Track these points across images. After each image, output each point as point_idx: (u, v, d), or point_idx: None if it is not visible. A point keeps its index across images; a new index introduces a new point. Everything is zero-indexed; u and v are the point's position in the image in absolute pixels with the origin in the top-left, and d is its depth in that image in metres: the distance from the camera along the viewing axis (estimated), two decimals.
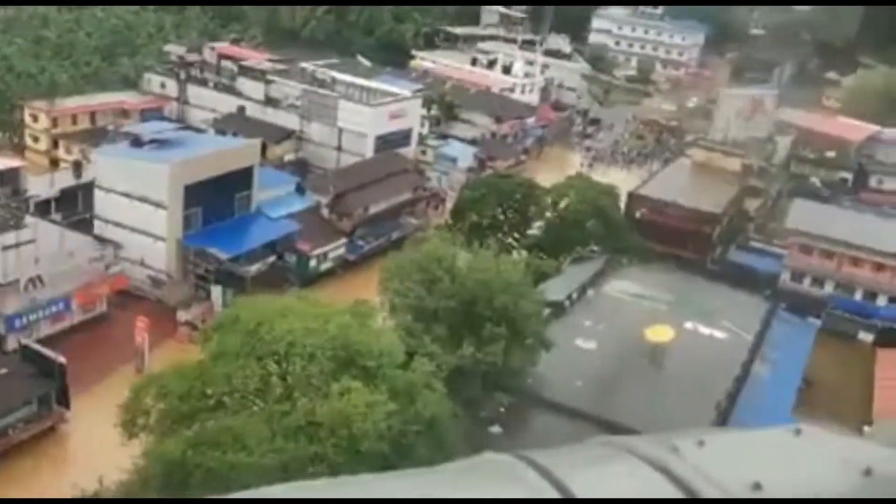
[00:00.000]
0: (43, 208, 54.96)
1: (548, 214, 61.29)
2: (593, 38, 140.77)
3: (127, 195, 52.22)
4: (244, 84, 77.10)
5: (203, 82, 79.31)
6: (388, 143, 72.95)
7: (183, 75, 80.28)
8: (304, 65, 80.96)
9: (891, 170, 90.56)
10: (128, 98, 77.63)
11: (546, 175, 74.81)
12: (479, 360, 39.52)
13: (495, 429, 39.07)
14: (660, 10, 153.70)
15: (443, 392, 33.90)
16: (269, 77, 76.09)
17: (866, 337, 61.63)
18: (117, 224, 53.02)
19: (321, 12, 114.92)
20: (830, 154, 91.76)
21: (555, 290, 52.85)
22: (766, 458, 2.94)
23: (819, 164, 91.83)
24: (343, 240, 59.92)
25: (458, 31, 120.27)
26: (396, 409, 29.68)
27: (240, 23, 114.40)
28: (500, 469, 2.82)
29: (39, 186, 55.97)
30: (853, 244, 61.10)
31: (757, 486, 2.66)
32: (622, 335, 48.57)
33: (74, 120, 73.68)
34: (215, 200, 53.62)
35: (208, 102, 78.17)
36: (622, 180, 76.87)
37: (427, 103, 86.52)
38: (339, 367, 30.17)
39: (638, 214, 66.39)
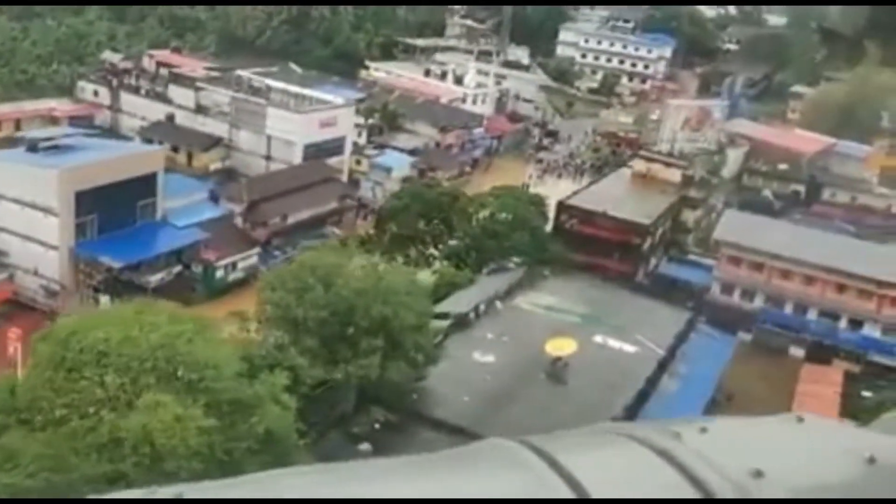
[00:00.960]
0: None
1: (470, 224, 59.40)
2: (561, 50, 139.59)
3: (17, 201, 50.41)
4: (175, 92, 75.44)
5: (135, 90, 77.69)
6: (320, 151, 71.22)
7: (115, 83, 78.69)
8: (240, 73, 79.35)
9: (844, 182, 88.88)
10: (57, 105, 75.96)
11: (488, 186, 73.00)
12: (351, 374, 37.66)
13: (364, 446, 37.05)
14: (631, 23, 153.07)
15: (289, 406, 31.94)
16: (199, 85, 74.46)
17: (797, 352, 59.72)
18: (10, 232, 51.24)
19: (277, 22, 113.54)
20: (783, 166, 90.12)
21: (462, 301, 51.11)
22: (768, 445, 2.94)
23: (772, 176, 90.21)
24: (255, 249, 58.07)
25: (419, 42, 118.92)
26: (216, 424, 27.72)
27: (195, 33, 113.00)
28: (502, 453, 2.83)
29: None
30: (782, 256, 59.28)
31: (759, 473, 2.66)
32: (524, 348, 46.67)
33: None
34: (114, 208, 51.80)
35: (140, 110, 76.54)
36: (566, 191, 75.18)
37: (369, 113, 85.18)
38: (160, 380, 28.23)
39: (567, 225, 64.62)
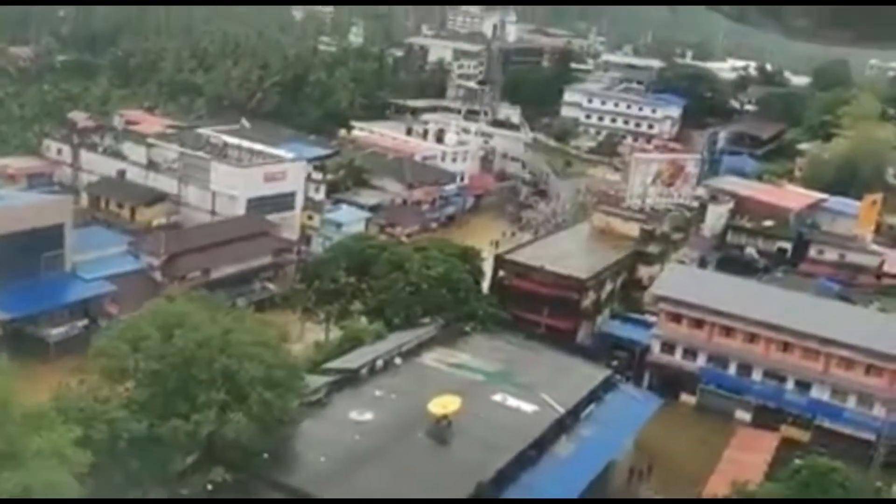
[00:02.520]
0: None
1: (392, 279, 56.94)
2: (565, 111, 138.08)
3: None
4: (128, 148, 75.49)
5: (93, 147, 77.93)
6: (266, 206, 70.00)
7: (76, 141, 79.13)
8: (201, 130, 79.29)
9: (832, 239, 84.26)
10: (13, 163, 76.44)
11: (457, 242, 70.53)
12: (178, 429, 35.23)
13: None
14: (643, 84, 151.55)
15: (74, 461, 29.71)
16: (150, 141, 74.40)
17: (744, 416, 55.41)
18: None
19: (268, 85, 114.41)
20: (769, 223, 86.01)
21: (359, 357, 48.50)
22: None
23: (757, 233, 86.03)
24: None
25: (410, 103, 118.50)
26: None
27: (187, 95, 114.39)
28: None
29: None
30: (723, 312, 55.45)
31: None
32: (411, 407, 43.62)
33: None
34: (13, 259, 50.72)
35: (97, 167, 76.63)
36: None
37: (336, 169, 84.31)
38: None
39: (505, 280, 61.83)
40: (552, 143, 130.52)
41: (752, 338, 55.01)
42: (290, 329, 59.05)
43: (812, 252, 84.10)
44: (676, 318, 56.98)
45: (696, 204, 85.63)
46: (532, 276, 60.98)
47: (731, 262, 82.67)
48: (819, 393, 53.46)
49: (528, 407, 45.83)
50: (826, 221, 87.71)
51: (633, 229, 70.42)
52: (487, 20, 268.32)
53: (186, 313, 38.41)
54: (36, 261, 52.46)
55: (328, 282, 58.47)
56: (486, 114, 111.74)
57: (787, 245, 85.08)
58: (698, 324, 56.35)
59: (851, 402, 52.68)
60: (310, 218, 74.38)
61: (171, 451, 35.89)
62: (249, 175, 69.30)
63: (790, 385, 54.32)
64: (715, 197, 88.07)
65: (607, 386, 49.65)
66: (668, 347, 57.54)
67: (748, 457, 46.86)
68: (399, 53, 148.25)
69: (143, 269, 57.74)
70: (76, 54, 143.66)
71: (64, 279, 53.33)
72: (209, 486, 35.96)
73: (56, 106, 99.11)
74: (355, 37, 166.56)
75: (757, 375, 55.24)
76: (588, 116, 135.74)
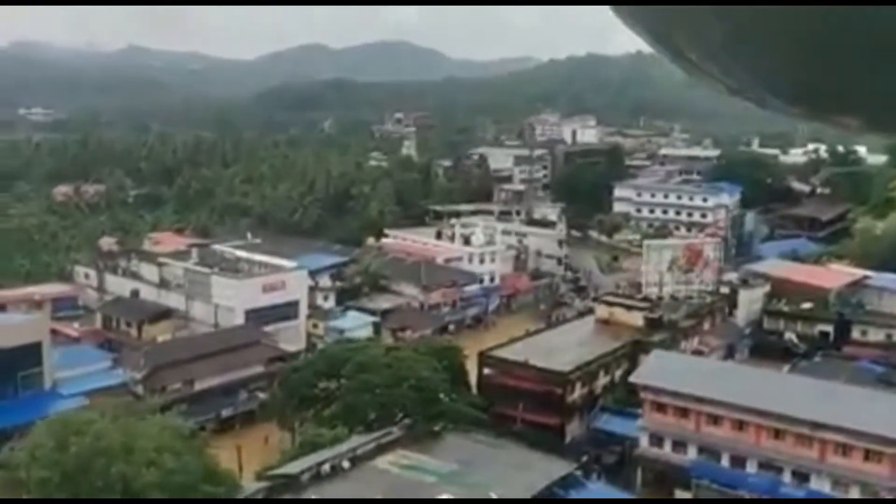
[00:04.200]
0: None
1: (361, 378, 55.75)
2: (617, 206, 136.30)
3: None
4: (142, 268, 78.09)
5: (114, 269, 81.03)
6: (266, 316, 70.54)
7: (102, 265, 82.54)
8: (217, 246, 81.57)
9: (877, 319, 78.51)
10: (40, 289, 79.98)
11: (479, 344, 68.88)
12: None
13: None
14: (700, 175, 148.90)
15: None
16: (161, 260, 76.78)
17: None
18: None
19: (309, 201, 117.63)
20: (807, 305, 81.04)
21: (307, 462, 47.15)
22: None
23: (795, 317, 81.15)
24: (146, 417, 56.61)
25: (450, 208, 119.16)
26: None
27: (232, 217, 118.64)
28: None
29: None
30: (705, 398, 51.63)
31: None
32: None
33: None
34: None
35: (115, 288, 79.52)
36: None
37: (353, 276, 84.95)
38: None
39: (489, 377, 59.73)
40: (603, 238, 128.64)
41: (741, 425, 50.85)
42: (270, 438, 59.14)
43: (855, 333, 78.58)
44: (661, 408, 53.40)
45: (724, 290, 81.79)
46: (515, 371, 58.76)
47: (768, 349, 78.05)
48: (819, 484, 48.52)
49: None
50: (872, 300, 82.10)
51: (637, 318, 67.36)
52: (566, 126, 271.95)
53: (89, 421, 38.38)
54: (12, 379, 53.87)
55: (306, 388, 57.85)
56: (518, 213, 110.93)
57: (829, 328, 79.89)
58: (684, 413, 52.61)
59: (855, 494, 47.53)
60: (314, 326, 74.48)
61: None
62: (246, 286, 70.31)
63: (787, 477, 49.57)
64: (746, 281, 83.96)
65: (568, 483, 46.43)
66: (657, 440, 53.77)
67: None
68: (446, 163, 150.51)
69: (125, 383, 58.36)
70: (149, 188, 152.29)
71: (41, 396, 54.39)
72: None
73: (97, 236, 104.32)
74: (407, 150, 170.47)
75: (752, 467, 50.73)
76: (639, 210, 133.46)
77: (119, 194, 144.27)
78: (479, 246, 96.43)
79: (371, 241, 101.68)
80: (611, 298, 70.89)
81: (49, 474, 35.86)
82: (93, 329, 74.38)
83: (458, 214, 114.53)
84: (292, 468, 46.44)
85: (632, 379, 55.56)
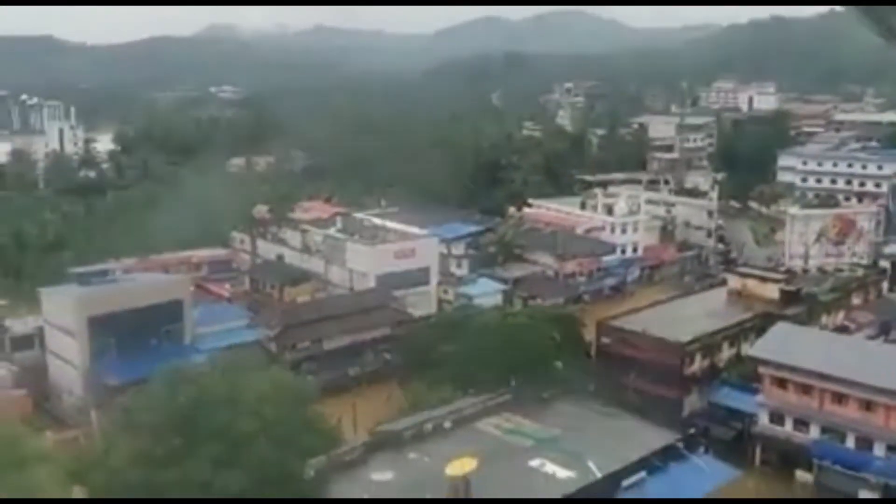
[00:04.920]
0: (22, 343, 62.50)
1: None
2: (780, 176, 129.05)
3: (57, 327, 57.96)
4: (287, 234, 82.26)
5: (264, 236, 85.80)
6: (398, 281, 72.50)
7: (254, 231, 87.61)
8: (358, 214, 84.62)
9: None
10: (197, 252, 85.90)
11: (603, 313, 68.14)
12: (170, 480, 37.65)
13: None
14: (877, 143, 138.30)
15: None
16: (304, 227, 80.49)
17: (869, 497, 47.66)
18: (56, 355, 58.81)
19: (458, 173, 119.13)
20: None
21: (411, 420, 48.69)
22: None
23: None
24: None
25: (600, 178, 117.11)
26: None
27: (387, 188, 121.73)
28: None
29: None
30: (830, 376, 48.66)
31: None
32: (438, 469, 42.88)
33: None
34: (134, 332, 57.06)
35: (266, 252, 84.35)
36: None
37: (489, 245, 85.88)
38: None
39: (607, 346, 58.91)
40: (763, 209, 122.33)
41: (869, 405, 47.65)
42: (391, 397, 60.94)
43: None
44: (782, 384, 50.85)
45: (885, 264, 76.23)
46: (633, 340, 57.61)
47: None
48: None
49: (564, 473, 43.26)
50: None
51: (772, 291, 64.12)
52: (743, 94, 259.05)
53: (201, 373, 41.37)
54: (155, 333, 58.56)
55: (425, 351, 59.27)
56: (667, 183, 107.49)
57: None
58: (806, 390, 49.87)
59: None
60: (445, 292, 75.93)
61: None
62: (378, 253, 72.59)
63: None
64: None
65: (669, 455, 45.33)
66: (778, 418, 51.31)
67: None
68: (601, 132, 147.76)
69: (259, 340, 61.99)
70: (316, 160, 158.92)
71: (180, 350, 58.68)
72: None
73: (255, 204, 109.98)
74: (562, 119, 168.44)
75: (879, 450, 47.51)
76: (804, 179, 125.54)
77: (287, 166, 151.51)
78: (622, 216, 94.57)
79: (512, 210, 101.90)
80: (745, 270, 67.73)
81: (159, 419, 39.10)
82: (243, 290, 79.26)
83: (606, 184, 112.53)
84: (397, 426, 48.15)
85: (751, 352, 53.26)
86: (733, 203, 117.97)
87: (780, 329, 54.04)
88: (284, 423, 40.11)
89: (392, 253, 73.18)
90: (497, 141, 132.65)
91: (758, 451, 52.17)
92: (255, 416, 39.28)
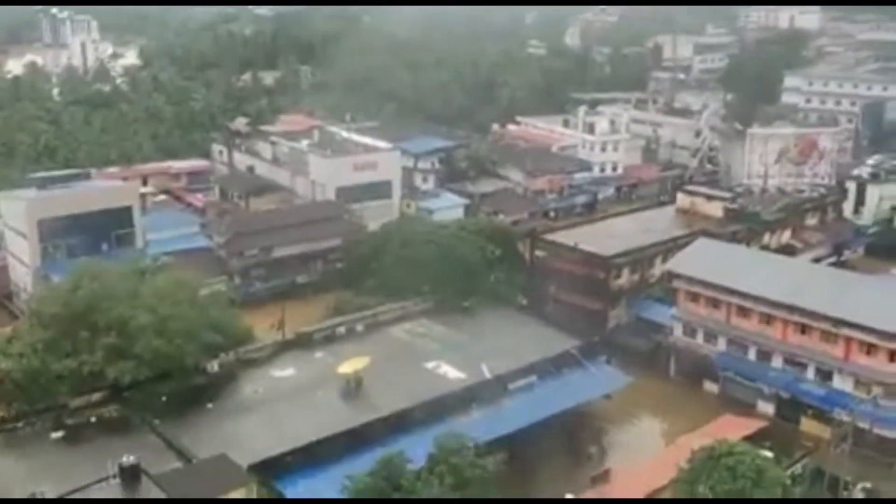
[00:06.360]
0: None
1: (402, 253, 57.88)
2: (786, 97, 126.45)
3: (13, 229, 60.77)
4: (259, 146, 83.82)
5: (239, 148, 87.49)
6: (360, 193, 73.68)
7: (231, 143, 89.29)
8: (330, 127, 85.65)
9: None
10: (176, 163, 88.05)
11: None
12: (67, 367, 40.24)
13: (57, 434, 39.20)
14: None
15: None
16: (273, 139, 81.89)
17: (766, 408, 48.89)
18: (14, 256, 61.77)
19: (455, 89, 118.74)
20: None
21: (328, 323, 50.86)
22: None
23: None
24: (223, 277, 62.16)
25: (580, 96, 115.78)
26: None
27: (383, 103, 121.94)
28: None
29: None
30: (736, 290, 49.44)
31: None
32: (336, 367, 45.05)
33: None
34: (85, 236, 59.51)
35: (239, 164, 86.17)
36: None
37: (459, 160, 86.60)
38: None
39: (539, 259, 60.00)
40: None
41: (769, 319, 48.46)
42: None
43: None
44: (694, 298, 51.78)
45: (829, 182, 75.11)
46: (565, 254, 58.64)
47: (892, 250, 71.89)
48: (841, 383, 45.76)
49: (455, 374, 45.28)
50: None
51: (717, 209, 64.33)
52: (784, 13, 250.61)
53: (104, 271, 43.64)
54: (106, 237, 60.94)
55: (365, 261, 60.88)
56: (654, 102, 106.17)
57: None
58: (715, 304, 50.75)
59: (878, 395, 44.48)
60: (408, 206, 77.19)
61: (61, 386, 40.80)
62: (337, 164, 73.80)
63: (810, 374, 47.07)
64: (878, 175, 76.94)
65: (565, 362, 46.89)
66: (691, 331, 52.38)
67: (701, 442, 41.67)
68: (605, 51, 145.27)
69: (210, 247, 64.17)
70: (324, 76, 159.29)
71: (129, 253, 60.91)
72: (93, 419, 40.51)
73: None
74: (570, 38, 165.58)
75: (776, 362, 48.50)
76: (808, 101, 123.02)
77: (293, 81, 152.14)
78: (602, 134, 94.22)
79: (496, 127, 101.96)
80: (692, 188, 67.81)
81: (60, 310, 41.58)
82: (213, 200, 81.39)
83: (597, 103, 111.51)
84: (310, 329, 50.31)
85: (667, 266, 54.03)
86: (737, 125, 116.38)
87: (699, 244, 54.70)
88: (181, 319, 42.19)
89: (352, 165, 74.32)
90: (496, 59, 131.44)
91: (672, 362, 53.45)
92: (150, 311, 41.47)
